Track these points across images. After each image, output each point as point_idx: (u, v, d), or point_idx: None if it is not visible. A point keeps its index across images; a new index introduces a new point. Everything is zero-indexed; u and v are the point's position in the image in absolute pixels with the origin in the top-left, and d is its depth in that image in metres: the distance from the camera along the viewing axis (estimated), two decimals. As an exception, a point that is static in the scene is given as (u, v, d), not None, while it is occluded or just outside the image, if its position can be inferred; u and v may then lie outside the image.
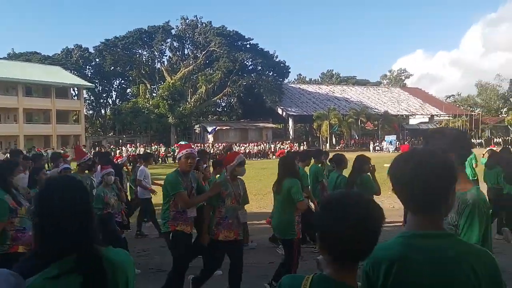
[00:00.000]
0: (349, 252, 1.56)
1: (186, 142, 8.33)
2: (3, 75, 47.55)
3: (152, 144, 47.90)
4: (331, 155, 8.88)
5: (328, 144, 58.06)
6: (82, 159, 8.05)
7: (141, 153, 24.39)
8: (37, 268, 1.81)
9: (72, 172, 7.60)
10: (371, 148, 55.39)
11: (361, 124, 62.37)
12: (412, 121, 77.74)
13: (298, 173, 6.30)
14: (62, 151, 26.99)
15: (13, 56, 65.28)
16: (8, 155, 19.76)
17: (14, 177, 4.47)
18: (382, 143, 57.44)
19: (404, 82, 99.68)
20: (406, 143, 52.77)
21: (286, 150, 30.70)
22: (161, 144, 48.84)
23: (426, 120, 75.29)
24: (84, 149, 24.82)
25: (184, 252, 5.42)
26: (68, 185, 1.85)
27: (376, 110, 69.15)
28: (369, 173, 7.04)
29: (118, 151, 38.84)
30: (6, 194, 4.31)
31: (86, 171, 8.10)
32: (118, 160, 11.86)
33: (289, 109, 66.69)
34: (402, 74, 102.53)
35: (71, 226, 1.72)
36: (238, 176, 5.65)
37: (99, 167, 8.36)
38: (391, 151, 49.78)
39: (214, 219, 5.45)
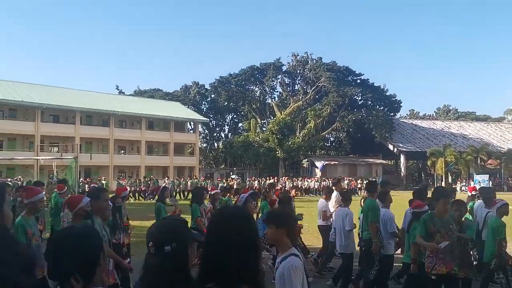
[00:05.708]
0: None
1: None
2: (130, 111, 52.11)
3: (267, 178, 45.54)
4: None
5: (443, 182, 54.63)
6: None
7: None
8: None
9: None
10: (458, 188, 50.36)
11: (481, 162, 57.98)
12: (541, 161, 70.17)
13: None
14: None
15: (139, 93, 71.51)
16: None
17: None
18: (471, 183, 51.53)
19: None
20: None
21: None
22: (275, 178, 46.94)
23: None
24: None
25: None
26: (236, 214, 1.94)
27: (499, 148, 64.11)
28: None
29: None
30: None
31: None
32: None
33: (401, 145, 64.26)
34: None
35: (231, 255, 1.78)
36: None
37: None
38: None
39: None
